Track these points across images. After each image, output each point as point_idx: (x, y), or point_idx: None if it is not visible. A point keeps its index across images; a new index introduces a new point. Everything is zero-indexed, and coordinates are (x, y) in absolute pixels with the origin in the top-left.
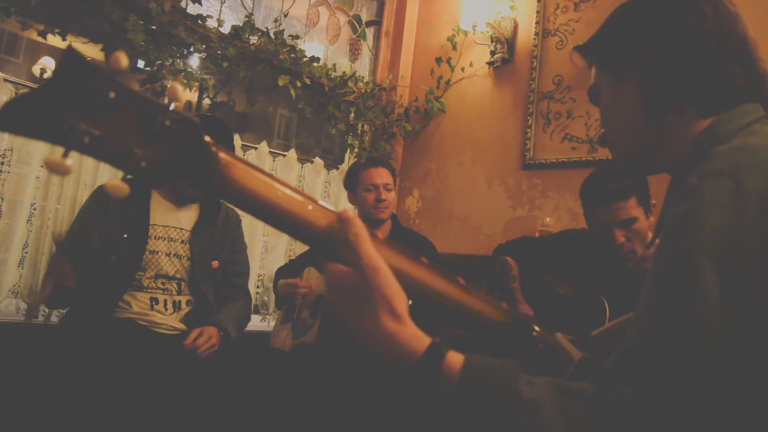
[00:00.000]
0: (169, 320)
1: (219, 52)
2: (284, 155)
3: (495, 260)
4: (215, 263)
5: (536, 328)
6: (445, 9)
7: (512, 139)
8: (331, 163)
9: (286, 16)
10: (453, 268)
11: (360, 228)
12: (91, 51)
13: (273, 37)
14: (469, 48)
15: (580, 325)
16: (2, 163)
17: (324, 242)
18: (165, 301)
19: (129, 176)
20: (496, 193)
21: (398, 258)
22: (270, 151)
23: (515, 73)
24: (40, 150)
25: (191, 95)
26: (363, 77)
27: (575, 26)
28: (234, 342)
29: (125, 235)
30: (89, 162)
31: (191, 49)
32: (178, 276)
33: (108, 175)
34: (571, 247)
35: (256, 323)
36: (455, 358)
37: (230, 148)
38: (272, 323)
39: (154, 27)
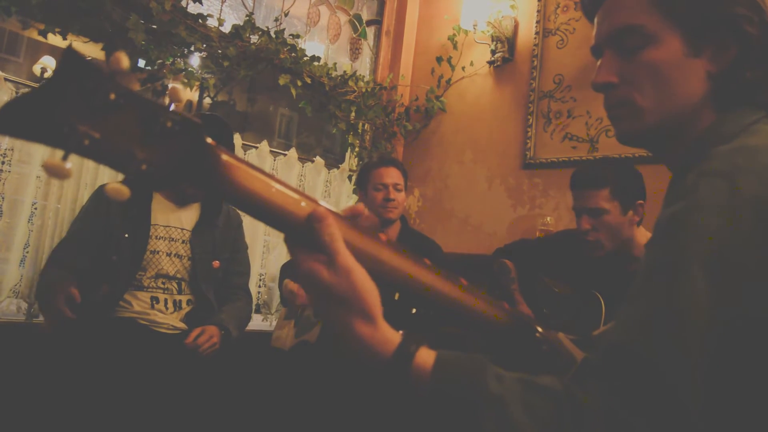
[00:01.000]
0: (170, 320)
1: (220, 51)
2: (285, 154)
3: (493, 263)
4: (216, 263)
5: (539, 329)
6: (446, 8)
7: (513, 138)
8: (332, 163)
9: (286, 15)
10: (454, 269)
11: (333, 227)
12: (92, 50)
13: (274, 36)
14: (470, 47)
15: (578, 325)
16: (3, 163)
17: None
18: (165, 300)
19: (130, 179)
20: (496, 193)
21: (400, 259)
22: (271, 151)
23: (516, 72)
24: (40, 150)
25: (192, 94)
26: (363, 76)
27: (576, 25)
28: (235, 341)
29: (126, 235)
30: (90, 162)
31: (192, 49)
32: (178, 276)
33: (109, 175)
34: (568, 247)
35: (257, 323)
36: (426, 356)
37: (231, 148)
38: (274, 323)
39: (154, 26)
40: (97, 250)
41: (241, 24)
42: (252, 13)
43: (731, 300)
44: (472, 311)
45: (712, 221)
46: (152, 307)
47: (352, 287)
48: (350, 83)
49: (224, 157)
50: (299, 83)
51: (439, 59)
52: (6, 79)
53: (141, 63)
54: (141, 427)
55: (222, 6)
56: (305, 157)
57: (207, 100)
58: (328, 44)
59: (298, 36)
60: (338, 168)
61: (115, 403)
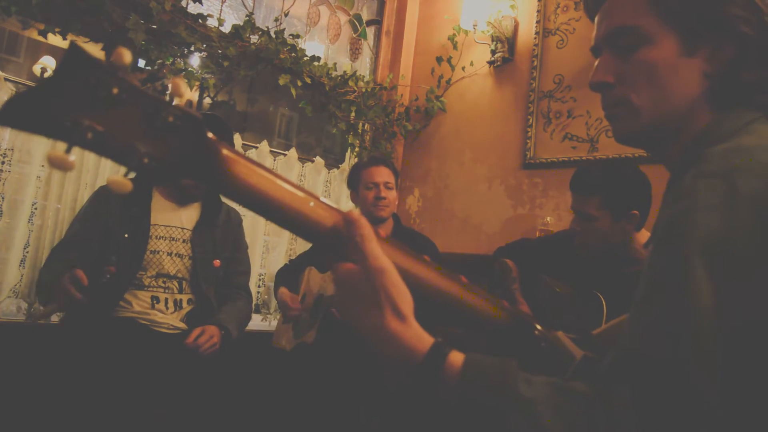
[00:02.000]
0: (170, 319)
1: (220, 51)
2: (285, 154)
3: (494, 263)
4: (217, 262)
5: (538, 327)
6: (446, 8)
7: (513, 138)
8: (332, 163)
9: (286, 15)
10: (453, 268)
11: (366, 228)
12: (92, 50)
13: (274, 36)
14: (470, 47)
15: (579, 324)
16: (3, 163)
17: (328, 240)
18: (166, 299)
19: (131, 173)
20: (496, 193)
21: (400, 256)
22: (271, 151)
23: (516, 72)
24: (41, 149)
25: (192, 94)
26: (363, 76)
27: (576, 25)
28: (235, 341)
29: (126, 235)
30: (90, 161)
31: (192, 49)
32: (179, 275)
33: (109, 175)
34: (569, 247)
35: (257, 323)
36: (456, 358)
37: None
38: (273, 323)
39: (154, 26)
40: (97, 250)
41: (241, 24)
42: (252, 13)
43: (736, 299)
44: (472, 308)
45: (711, 222)
46: (153, 306)
47: (384, 286)
48: (350, 83)
49: (225, 151)
50: (299, 83)
51: (439, 59)
52: (6, 79)
53: (141, 63)
54: (141, 427)
55: (222, 6)
56: (305, 157)
57: (207, 100)
58: (328, 44)
59: (298, 36)
60: (338, 168)
61: (115, 402)
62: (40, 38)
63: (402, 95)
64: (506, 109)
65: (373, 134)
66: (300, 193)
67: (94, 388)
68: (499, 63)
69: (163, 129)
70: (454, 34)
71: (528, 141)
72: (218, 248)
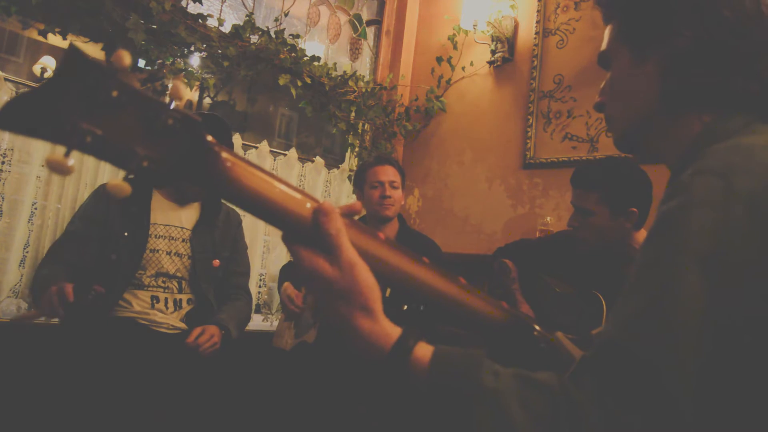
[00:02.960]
0: (170, 319)
1: (220, 51)
2: (285, 154)
3: (494, 263)
4: (216, 262)
5: (537, 328)
6: (446, 8)
7: (513, 138)
8: (332, 163)
9: (286, 15)
10: (453, 268)
11: (339, 221)
12: (92, 50)
13: (274, 36)
14: (470, 47)
15: (579, 324)
16: (3, 163)
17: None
18: (166, 299)
19: (130, 176)
20: (496, 193)
21: (399, 257)
22: (271, 150)
23: (516, 72)
24: (41, 149)
25: (192, 94)
26: (363, 76)
27: (576, 25)
28: (235, 341)
29: (126, 234)
30: (90, 161)
31: (192, 49)
32: (178, 275)
33: (109, 175)
34: (568, 247)
35: (257, 323)
36: (424, 351)
37: (229, 147)
38: (274, 323)
39: (154, 26)
40: (96, 249)
41: (241, 24)
42: (252, 13)
43: (726, 297)
44: (471, 310)
45: (706, 218)
46: (152, 306)
47: (354, 282)
48: (350, 83)
49: (224, 154)
50: (299, 83)
51: (439, 59)
52: (6, 79)
53: (141, 63)
54: (141, 427)
55: (222, 6)
56: (305, 157)
57: (207, 100)
58: (328, 44)
59: (298, 36)
60: (338, 168)
61: (115, 402)
62: (40, 38)
63: (402, 95)
64: (506, 109)
65: (373, 134)
66: (299, 196)
67: (94, 388)
68: (499, 63)
69: (163, 132)
70: (454, 34)
71: (528, 141)
72: (218, 248)
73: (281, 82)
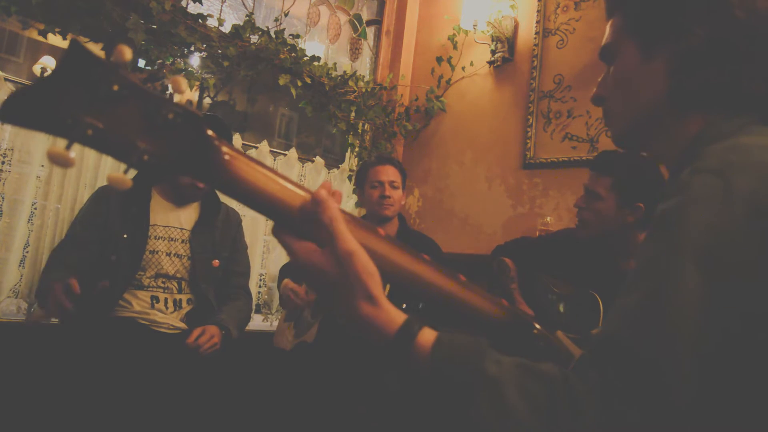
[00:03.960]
0: (170, 319)
1: (220, 51)
2: (285, 154)
3: (493, 261)
4: (216, 262)
5: (536, 326)
6: (446, 8)
7: (513, 138)
8: (332, 163)
9: (286, 15)
10: (453, 268)
11: (335, 210)
12: (92, 50)
13: (274, 36)
14: (470, 47)
15: (577, 324)
16: (3, 163)
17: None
18: (165, 299)
19: (131, 169)
20: (496, 193)
21: (399, 254)
22: (271, 151)
23: (516, 72)
24: (41, 149)
25: (192, 94)
26: (363, 76)
27: (576, 25)
28: (235, 341)
29: (125, 236)
30: (90, 161)
31: (192, 49)
32: (178, 275)
33: (109, 172)
34: (568, 247)
35: (257, 323)
36: (428, 337)
37: None
38: (275, 323)
39: (154, 26)
40: (96, 251)
41: (241, 24)
42: (252, 13)
43: (724, 294)
44: (470, 307)
45: (705, 217)
46: (152, 306)
47: (354, 269)
48: (350, 83)
49: (224, 148)
50: (299, 83)
51: (439, 59)
52: (6, 79)
53: (141, 63)
54: (141, 427)
55: (222, 6)
56: (305, 157)
57: (207, 100)
58: (328, 44)
59: (298, 36)
60: (338, 168)
61: (115, 402)
62: (40, 38)
63: (402, 95)
64: (506, 109)
65: (373, 134)
66: (298, 190)
67: (94, 388)
68: (499, 63)
69: (163, 126)
70: (454, 34)
71: (528, 141)
72: (217, 248)
73: (281, 82)
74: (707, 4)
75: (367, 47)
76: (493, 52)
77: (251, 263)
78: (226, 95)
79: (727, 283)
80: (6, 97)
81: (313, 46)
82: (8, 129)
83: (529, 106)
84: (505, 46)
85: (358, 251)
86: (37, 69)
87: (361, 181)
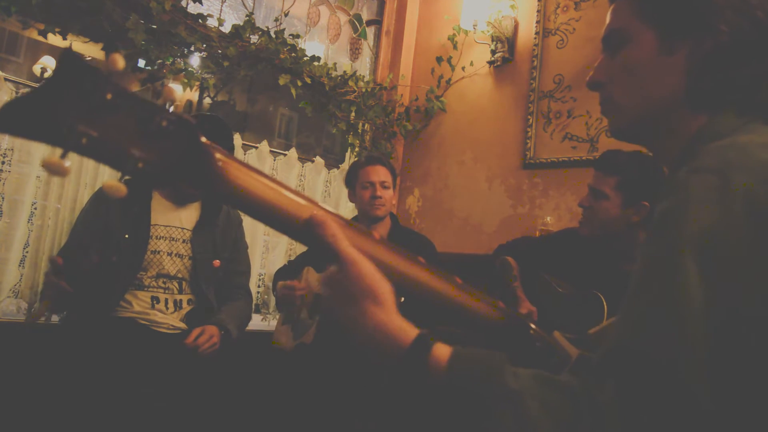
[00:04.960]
0: (170, 319)
1: (220, 51)
2: (285, 154)
3: (496, 260)
4: (217, 262)
5: (533, 327)
6: (446, 8)
7: (513, 138)
8: (332, 163)
9: (286, 15)
10: (453, 268)
11: (333, 229)
12: (92, 50)
13: (273, 36)
14: (470, 47)
15: (579, 324)
16: (3, 163)
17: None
18: (166, 300)
19: (127, 177)
20: (496, 193)
21: (395, 257)
22: (271, 151)
23: (516, 72)
24: (40, 150)
25: (192, 94)
26: (363, 76)
27: (576, 25)
28: (235, 341)
29: (126, 236)
30: (90, 162)
31: (192, 49)
32: (179, 276)
33: (109, 175)
34: (570, 246)
35: (257, 323)
36: (443, 350)
37: (230, 148)
38: (273, 323)
39: (154, 26)
40: (98, 251)
41: (241, 24)
42: (252, 13)
43: (724, 293)
44: (467, 309)
45: (704, 216)
46: (153, 306)
47: (360, 277)
48: (350, 83)
49: (218, 155)
50: (299, 83)
51: (439, 59)
52: (6, 79)
53: (141, 63)
54: (141, 427)
55: (222, 6)
56: (305, 157)
57: (207, 100)
58: (328, 44)
59: (298, 36)
60: (338, 168)
61: (115, 402)
62: (40, 38)
63: (402, 95)
64: (506, 109)
65: (373, 134)
66: (293, 196)
67: (94, 388)
68: (499, 63)
69: (157, 134)
70: (454, 34)
71: (528, 141)
72: (218, 248)
73: (281, 82)
74: (732, 3)
75: (367, 47)
76: (493, 52)
77: (251, 263)
78: (226, 95)
79: (728, 281)
80: (1, 107)
81: (313, 46)
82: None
83: (529, 106)
84: (505, 46)
85: (361, 261)
86: (37, 69)
87: (352, 181)
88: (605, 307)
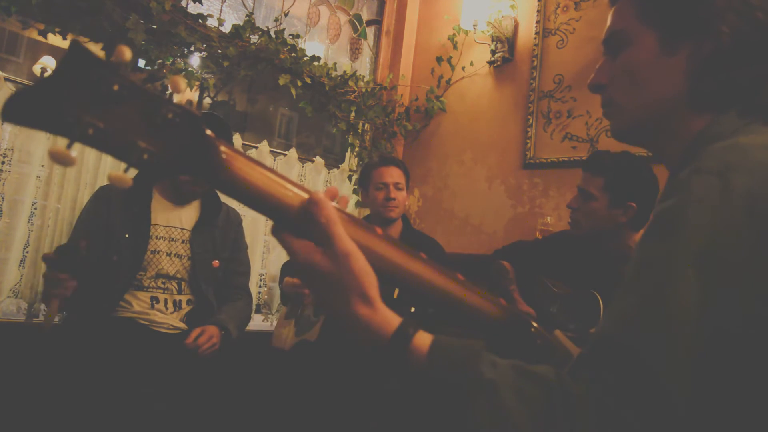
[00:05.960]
0: (170, 319)
1: (220, 51)
2: (285, 154)
3: (491, 265)
4: (216, 262)
5: (534, 324)
6: (446, 8)
7: (513, 138)
8: (332, 163)
9: (286, 15)
10: (454, 268)
11: (330, 210)
12: (92, 50)
13: (274, 36)
14: (470, 47)
15: (577, 323)
16: (3, 163)
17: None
18: (165, 300)
19: (131, 168)
20: (496, 193)
21: (396, 252)
22: (271, 150)
23: (516, 72)
24: (41, 149)
25: (192, 94)
26: (363, 76)
27: (576, 25)
28: (235, 341)
29: (127, 235)
30: (90, 161)
31: (192, 49)
32: (178, 276)
33: (110, 171)
34: (566, 248)
35: (257, 323)
36: (423, 340)
37: None
38: (274, 323)
39: (154, 26)
40: (98, 251)
41: (241, 24)
42: (252, 13)
43: (722, 295)
44: (468, 306)
45: (703, 217)
46: (152, 306)
47: (350, 270)
48: (350, 83)
49: (223, 147)
50: (299, 83)
51: (439, 59)
52: (6, 79)
53: (141, 63)
54: (141, 427)
55: (222, 6)
56: (305, 157)
57: (207, 100)
58: (328, 44)
59: (298, 36)
60: (338, 168)
61: (115, 402)
62: (40, 38)
63: (402, 95)
64: (506, 109)
65: (373, 134)
66: (299, 191)
67: (95, 388)
68: (499, 63)
69: (163, 125)
70: (454, 34)
71: (528, 141)
72: (218, 248)
73: (281, 82)
74: (732, 4)
75: (367, 47)
76: (493, 52)
77: (251, 263)
78: (226, 95)
79: (726, 284)
80: (9, 97)
81: (313, 46)
82: (8, 129)
83: (529, 106)
84: (505, 46)
85: (355, 252)
86: (37, 69)
87: (365, 181)
88: (601, 305)
